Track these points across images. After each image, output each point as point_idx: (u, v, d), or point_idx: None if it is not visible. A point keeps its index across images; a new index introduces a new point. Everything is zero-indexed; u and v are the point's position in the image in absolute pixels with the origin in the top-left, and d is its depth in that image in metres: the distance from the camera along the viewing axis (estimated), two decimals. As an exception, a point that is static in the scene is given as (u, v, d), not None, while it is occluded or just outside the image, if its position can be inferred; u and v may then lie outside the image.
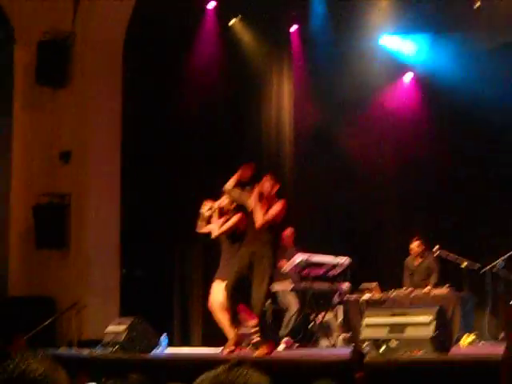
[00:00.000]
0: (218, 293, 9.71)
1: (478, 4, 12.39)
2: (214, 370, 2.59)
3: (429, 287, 11.91)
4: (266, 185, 9.11)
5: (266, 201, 9.02)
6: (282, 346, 10.55)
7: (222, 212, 10.19)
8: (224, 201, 10.09)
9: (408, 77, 14.82)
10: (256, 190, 9.02)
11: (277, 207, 8.94)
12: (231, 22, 14.81)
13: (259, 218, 8.84)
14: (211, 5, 14.44)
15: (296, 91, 14.99)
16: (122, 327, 9.73)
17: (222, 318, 9.70)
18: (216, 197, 10.37)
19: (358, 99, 14.11)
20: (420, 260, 12.46)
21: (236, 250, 9.70)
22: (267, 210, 8.94)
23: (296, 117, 14.93)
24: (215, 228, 10.04)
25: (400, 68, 14.77)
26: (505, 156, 12.64)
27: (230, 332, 9.47)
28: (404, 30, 14.30)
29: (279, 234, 9.25)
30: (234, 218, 9.90)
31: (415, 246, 12.43)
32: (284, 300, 12.00)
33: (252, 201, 8.97)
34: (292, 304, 11.81)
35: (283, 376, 5.74)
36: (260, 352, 8.60)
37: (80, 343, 11.50)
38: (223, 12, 14.59)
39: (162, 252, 13.49)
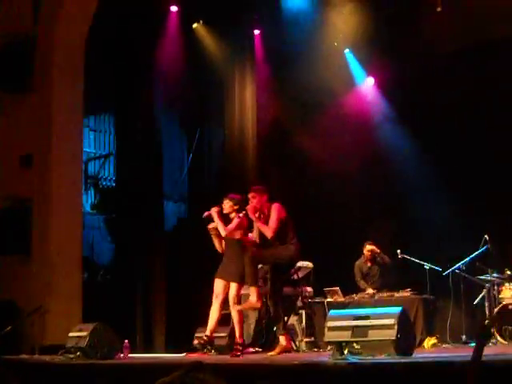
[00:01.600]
0: (219, 287, 9.87)
1: (439, 9, 12.50)
2: (170, 375, 2.57)
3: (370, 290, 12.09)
4: (254, 200, 9.25)
5: (263, 213, 9.30)
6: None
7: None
8: (226, 205, 10.07)
9: (369, 82, 14.88)
10: (249, 210, 9.21)
11: (274, 214, 9.14)
12: (194, 26, 14.79)
13: (268, 233, 9.13)
14: (174, 8, 14.40)
15: (259, 94, 15.03)
16: (84, 333, 9.65)
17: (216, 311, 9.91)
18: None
19: (319, 102, 14.15)
20: (370, 264, 12.59)
21: (238, 252, 9.80)
22: (267, 220, 9.22)
23: (259, 119, 14.96)
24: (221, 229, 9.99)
25: (361, 73, 14.83)
26: (465, 156, 12.74)
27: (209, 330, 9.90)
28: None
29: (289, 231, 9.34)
30: (236, 220, 9.88)
31: (367, 250, 12.57)
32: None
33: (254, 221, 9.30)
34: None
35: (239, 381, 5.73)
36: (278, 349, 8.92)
37: (42, 349, 11.39)
38: (186, 15, 14.57)
39: (124, 257, 13.41)
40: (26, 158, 12.93)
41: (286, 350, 8.90)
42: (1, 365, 2.66)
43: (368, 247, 12.64)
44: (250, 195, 9.33)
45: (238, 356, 9.33)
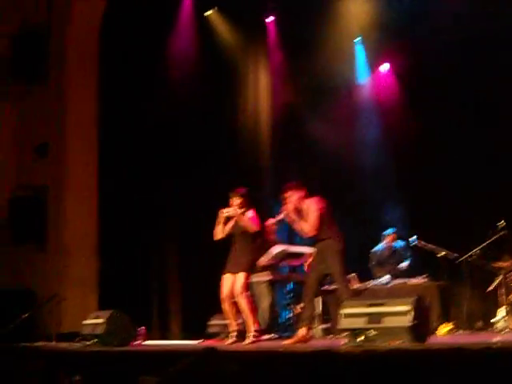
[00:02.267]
0: (227, 285, 9.78)
1: None
2: (184, 361, 2.59)
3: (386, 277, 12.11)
4: (292, 199, 9.10)
5: (301, 210, 9.10)
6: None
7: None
8: (234, 202, 10.06)
9: (385, 67, 14.84)
10: (290, 212, 9.05)
11: (313, 210, 8.98)
12: (207, 13, 14.78)
13: (309, 231, 9.02)
14: (187, -4, 14.44)
15: (273, 81, 15.02)
16: (101, 320, 9.71)
17: (229, 310, 9.82)
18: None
19: (335, 88, 14.12)
20: (388, 251, 12.60)
21: (248, 243, 9.83)
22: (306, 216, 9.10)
23: (273, 106, 14.95)
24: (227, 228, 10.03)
25: (377, 59, 14.78)
26: (480, 142, 12.69)
27: (233, 324, 9.76)
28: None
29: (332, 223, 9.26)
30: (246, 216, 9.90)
31: (388, 237, 12.59)
32: (256, 292, 11.97)
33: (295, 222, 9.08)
34: (264, 297, 11.76)
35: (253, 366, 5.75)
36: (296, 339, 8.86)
37: (58, 336, 11.46)
38: (200, 3, 14.56)
39: (140, 244, 13.44)
40: (42, 147, 12.99)
41: (303, 340, 8.78)
42: (20, 352, 2.70)
43: (386, 235, 12.65)
44: (286, 194, 9.09)
45: (255, 342, 9.35)
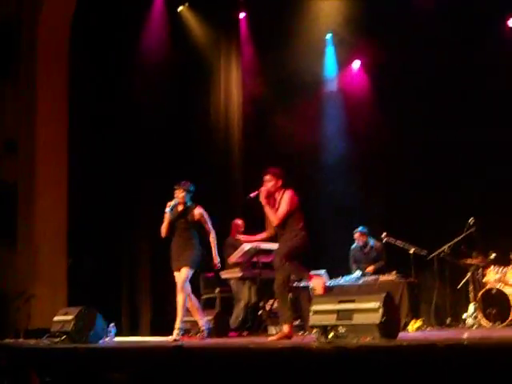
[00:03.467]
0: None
1: None
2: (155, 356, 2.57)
3: (371, 267, 12.14)
4: (269, 184, 8.99)
5: (274, 198, 9.01)
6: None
7: None
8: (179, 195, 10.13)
9: (356, 64, 14.88)
10: (262, 193, 8.90)
11: (285, 202, 8.91)
12: (180, 9, 14.74)
13: (274, 221, 8.89)
14: (159, -9, 14.38)
15: (244, 77, 15.01)
16: (70, 317, 9.64)
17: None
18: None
19: (305, 84, 14.13)
20: (364, 250, 12.61)
21: (189, 238, 9.93)
22: (277, 206, 8.97)
23: (244, 101, 14.96)
24: None
25: (348, 55, 14.81)
26: (452, 139, 12.74)
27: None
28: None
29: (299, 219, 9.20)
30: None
31: (357, 236, 12.60)
32: (236, 289, 12.04)
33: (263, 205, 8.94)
34: (243, 295, 11.86)
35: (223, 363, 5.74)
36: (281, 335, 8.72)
37: (27, 333, 11.39)
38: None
39: (109, 240, 13.38)
40: (11, 144, 12.89)
41: (287, 337, 8.66)
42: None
43: (357, 234, 12.67)
44: (265, 177, 9.02)
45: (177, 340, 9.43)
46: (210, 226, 9.99)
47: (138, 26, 14.15)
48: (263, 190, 8.85)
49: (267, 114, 14.48)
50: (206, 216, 10.00)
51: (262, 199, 8.83)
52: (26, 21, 13.05)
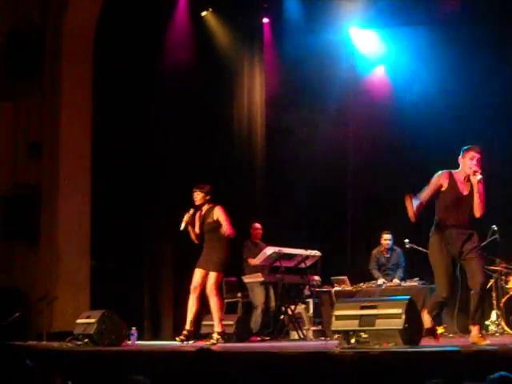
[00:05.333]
0: (197, 280, 10.05)
1: None
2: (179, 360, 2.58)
3: (396, 280, 12.08)
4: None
5: None
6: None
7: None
8: (197, 197, 10.25)
9: (379, 70, 14.85)
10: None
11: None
12: (203, 13, 14.78)
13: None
14: (182, -3, 14.43)
15: (267, 83, 15.02)
16: (92, 320, 9.70)
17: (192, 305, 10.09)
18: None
19: (329, 92, 14.12)
20: (389, 254, 12.58)
21: (218, 241, 9.99)
22: None
23: (267, 106, 14.97)
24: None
25: (371, 62, 14.79)
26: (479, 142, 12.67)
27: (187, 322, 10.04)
28: (372, 24, 14.36)
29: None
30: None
31: (384, 240, 12.56)
32: (251, 294, 12.05)
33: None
34: (258, 300, 11.87)
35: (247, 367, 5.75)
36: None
37: (50, 335, 11.44)
38: (195, 3, 14.56)
39: (132, 243, 13.42)
40: (35, 146, 12.96)
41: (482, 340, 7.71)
42: (8, 351, 2.69)
43: (385, 236, 12.62)
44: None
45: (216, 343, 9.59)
46: (226, 226, 9.99)
47: (162, 30, 14.19)
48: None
49: (290, 118, 14.46)
50: (223, 216, 10.03)
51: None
52: (51, 22, 13.12)
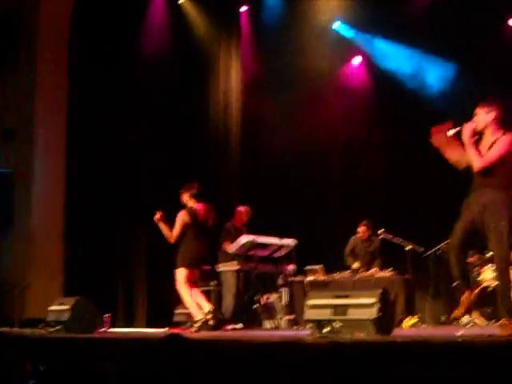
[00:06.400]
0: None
1: None
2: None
3: (375, 269, 12.12)
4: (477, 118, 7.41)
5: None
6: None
7: None
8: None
9: (357, 60, 14.88)
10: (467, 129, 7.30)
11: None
12: (180, 1, 14.72)
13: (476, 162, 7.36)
14: (160, -17, 14.37)
15: (244, 71, 15.01)
16: (66, 307, 9.65)
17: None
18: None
19: (306, 80, 14.12)
20: (366, 244, 12.62)
21: (180, 243, 10.21)
22: None
23: (244, 95, 14.95)
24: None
25: (349, 51, 14.81)
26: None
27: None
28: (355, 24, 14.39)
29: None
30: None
31: (362, 230, 12.59)
32: (224, 282, 12.04)
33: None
34: (229, 288, 11.86)
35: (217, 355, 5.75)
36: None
37: (22, 322, 11.39)
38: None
39: (106, 230, 13.38)
40: (9, 131, 12.88)
41: None
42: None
43: (360, 228, 12.66)
44: (477, 110, 7.32)
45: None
46: (175, 229, 10.17)
47: (139, 16, 14.14)
48: (468, 126, 7.26)
49: (266, 107, 14.46)
50: (177, 220, 10.20)
51: (466, 137, 7.23)
52: (27, 8, 13.02)
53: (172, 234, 10.12)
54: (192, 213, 10.21)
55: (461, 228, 7.49)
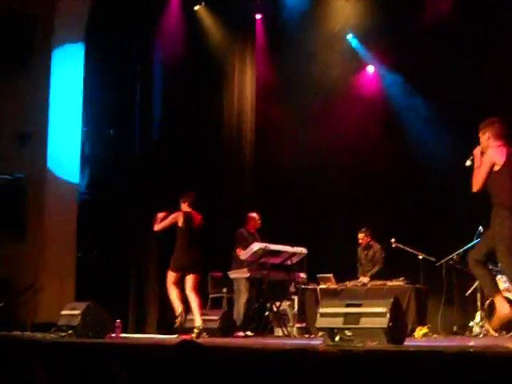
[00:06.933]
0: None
1: None
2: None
3: (363, 278, 12.14)
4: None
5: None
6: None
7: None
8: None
9: (370, 69, 14.88)
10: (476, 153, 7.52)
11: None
12: (196, 7, 14.76)
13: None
14: (176, -10, 14.41)
15: (259, 78, 15.02)
16: (77, 311, 9.67)
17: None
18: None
19: (320, 88, 14.14)
20: (366, 251, 12.65)
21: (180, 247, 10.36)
22: None
23: (258, 102, 14.96)
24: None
25: (363, 61, 14.81)
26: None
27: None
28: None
29: None
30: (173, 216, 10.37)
31: (360, 237, 12.65)
32: (236, 289, 12.04)
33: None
34: (241, 294, 11.85)
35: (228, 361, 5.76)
36: None
37: (34, 326, 11.41)
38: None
39: (118, 236, 13.41)
40: (23, 136, 12.91)
41: None
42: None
43: (359, 235, 12.72)
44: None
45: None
46: (166, 221, 10.38)
47: (155, 23, 14.17)
48: (476, 151, 7.46)
49: (281, 115, 14.48)
50: (172, 215, 10.39)
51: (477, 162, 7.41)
52: (41, 12, 13.06)
53: (162, 224, 10.33)
54: (188, 217, 10.29)
55: (485, 244, 7.57)
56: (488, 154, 7.26)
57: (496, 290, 7.56)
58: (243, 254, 11.68)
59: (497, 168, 7.21)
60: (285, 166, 14.20)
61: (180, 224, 10.24)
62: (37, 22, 13.06)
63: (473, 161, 7.44)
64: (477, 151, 7.41)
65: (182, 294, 10.29)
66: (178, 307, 10.21)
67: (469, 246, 11.13)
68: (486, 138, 7.36)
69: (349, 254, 12.92)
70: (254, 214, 12.40)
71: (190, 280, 10.16)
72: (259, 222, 12.33)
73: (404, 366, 5.39)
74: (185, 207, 10.38)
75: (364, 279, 12.19)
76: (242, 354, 6.19)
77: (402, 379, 5.11)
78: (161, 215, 10.33)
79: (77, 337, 9.38)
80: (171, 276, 10.28)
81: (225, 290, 12.62)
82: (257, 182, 14.61)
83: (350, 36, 14.68)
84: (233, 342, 9.08)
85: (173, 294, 10.26)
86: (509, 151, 7.26)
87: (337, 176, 14.26)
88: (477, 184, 7.30)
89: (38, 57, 13.05)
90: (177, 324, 10.20)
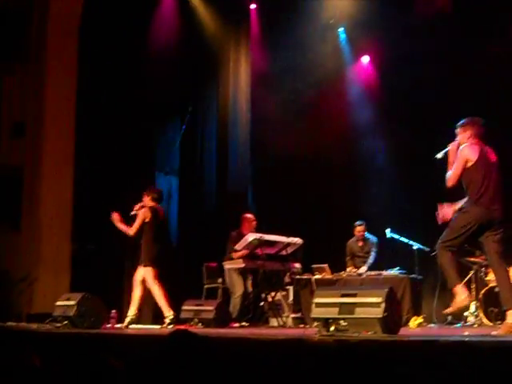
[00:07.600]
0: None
1: None
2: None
3: (363, 268, 12.17)
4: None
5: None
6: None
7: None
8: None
9: (365, 59, 14.88)
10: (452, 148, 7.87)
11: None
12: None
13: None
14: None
15: (253, 68, 15.01)
16: (72, 302, 9.68)
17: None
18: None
19: (315, 78, 14.13)
20: (362, 243, 12.66)
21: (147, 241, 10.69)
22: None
23: (253, 93, 14.95)
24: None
25: (357, 51, 14.81)
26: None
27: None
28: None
29: None
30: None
31: (360, 229, 12.65)
32: (229, 280, 12.02)
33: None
34: (236, 286, 11.84)
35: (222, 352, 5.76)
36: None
37: (29, 317, 11.42)
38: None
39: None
40: (18, 127, 12.89)
41: None
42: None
43: (358, 228, 12.72)
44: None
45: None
46: (136, 223, 10.68)
47: (149, 12, 14.14)
48: (452, 145, 7.82)
49: (276, 106, 14.47)
50: (139, 215, 10.70)
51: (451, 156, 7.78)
52: (36, 5, 13.04)
53: (131, 228, 10.57)
54: (154, 211, 10.55)
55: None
56: (463, 151, 7.62)
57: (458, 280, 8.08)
58: (238, 245, 11.68)
59: (469, 164, 7.59)
60: (281, 159, 14.20)
61: (147, 219, 10.34)
62: (32, 16, 13.04)
63: (445, 154, 7.83)
64: (453, 146, 7.76)
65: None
66: (166, 307, 10.40)
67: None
68: (467, 135, 7.70)
69: (344, 245, 12.93)
70: (249, 215, 12.41)
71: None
72: (254, 223, 12.30)
73: (399, 355, 5.40)
74: (148, 201, 10.50)
75: (362, 269, 12.21)
76: (237, 344, 6.20)
77: (397, 369, 5.12)
78: (117, 217, 10.42)
79: (72, 327, 9.38)
80: (151, 271, 10.52)
81: (220, 280, 12.62)
82: (253, 176, 14.63)
83: (341, 29, 14.70)
84: (228, 333, 9.08)
85: (158, 291, 10.57)
86: (481, 149, 7.62)
87: (333, 165, 14.27)
88: (451, 180, 7.73)
89: (34, 48, 13.03)
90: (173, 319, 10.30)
